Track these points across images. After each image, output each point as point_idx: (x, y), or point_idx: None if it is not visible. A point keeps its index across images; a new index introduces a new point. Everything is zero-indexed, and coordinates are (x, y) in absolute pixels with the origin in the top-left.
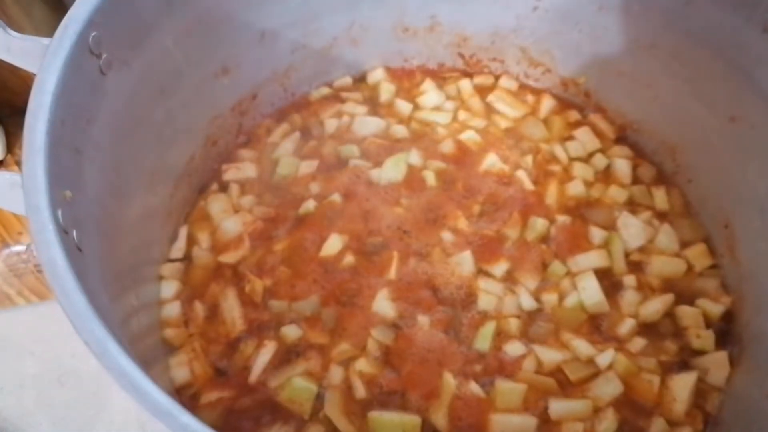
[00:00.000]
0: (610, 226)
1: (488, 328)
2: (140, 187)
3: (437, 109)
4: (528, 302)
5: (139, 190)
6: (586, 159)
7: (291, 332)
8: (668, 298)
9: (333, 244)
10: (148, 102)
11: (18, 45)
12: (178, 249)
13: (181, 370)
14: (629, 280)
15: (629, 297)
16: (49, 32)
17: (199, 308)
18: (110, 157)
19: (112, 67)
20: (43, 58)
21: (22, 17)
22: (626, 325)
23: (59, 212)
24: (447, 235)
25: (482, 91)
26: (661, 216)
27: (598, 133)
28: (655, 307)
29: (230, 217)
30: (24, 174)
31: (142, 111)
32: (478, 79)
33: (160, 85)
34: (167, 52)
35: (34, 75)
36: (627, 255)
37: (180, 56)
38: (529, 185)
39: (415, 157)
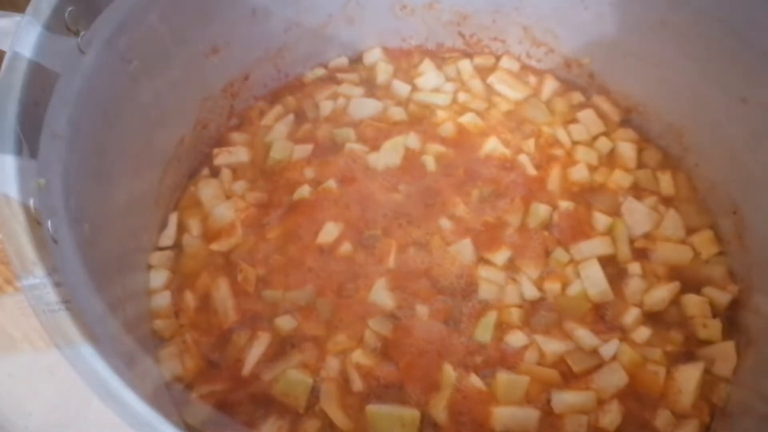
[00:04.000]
0: (615, 212)
1: (489, 319)
2: (126, 172)
3: (436, 90)
4: (530, 291)
5: (125, 176)
6: (590, 143)
7: (285, 323)
8: (674, 286)
9: (329, 232)
10: (133, 82)
11: None
12: (168, 237)
13: (171, 362)
14: (634, 267)
15: (634, 285)
16: None
17: (190, 298)
18: (92, 140)
19: (92, 44)
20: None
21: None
22: (631, 315)
23: (31, 202)
24: (446, 223)
25: (483, 72)
26: (667, 201)
27: (602, 116)
28: (661, 295)
29: (222, 204)
30: None
31: (127, 92)
32: (479, 60)
33: (145, 65)
34: (153, 30)
35: None
36: (631, 242)
37: (166, 34)
38: (531, 170)
39: (413, 140)
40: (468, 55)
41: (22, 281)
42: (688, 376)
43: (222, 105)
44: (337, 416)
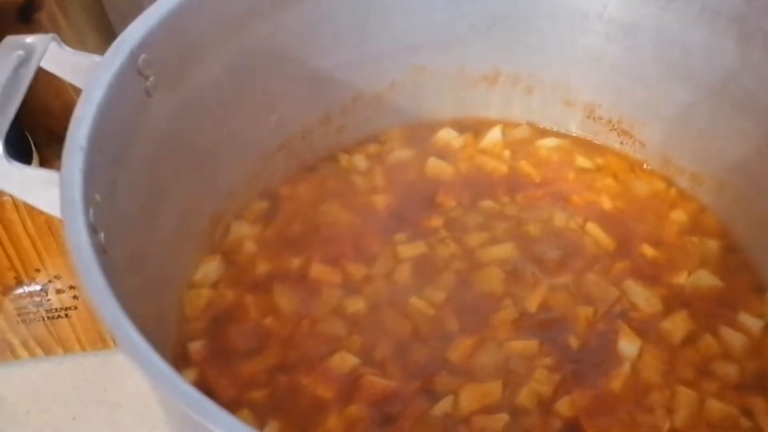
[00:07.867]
0: None
1: None
2: (172, 214)
3: None
4: None
5: (170, 217)
6: None
7: None
8: None
9: None
10: (193, 130)
11: (70, 60)
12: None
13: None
14: None
15: None
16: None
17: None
18: (145, 177)
19: (158, 89)
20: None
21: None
22: None
23: (90, 211)
24: None
25: None
26: None
27: None
28: None
29: None
30: (62, 168)
31: (185, 137)
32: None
33: (205, 115)
34: (216, 83)
35: (78, 97)
36: None
37: (229, 88)
38: None
39: None
40: None
41: (79, 266)
42: None
43: (278, 164)
44: None
